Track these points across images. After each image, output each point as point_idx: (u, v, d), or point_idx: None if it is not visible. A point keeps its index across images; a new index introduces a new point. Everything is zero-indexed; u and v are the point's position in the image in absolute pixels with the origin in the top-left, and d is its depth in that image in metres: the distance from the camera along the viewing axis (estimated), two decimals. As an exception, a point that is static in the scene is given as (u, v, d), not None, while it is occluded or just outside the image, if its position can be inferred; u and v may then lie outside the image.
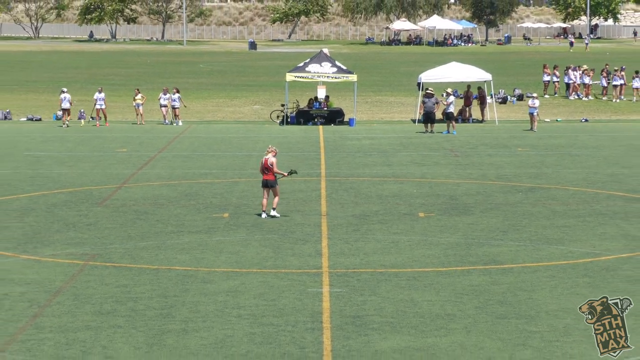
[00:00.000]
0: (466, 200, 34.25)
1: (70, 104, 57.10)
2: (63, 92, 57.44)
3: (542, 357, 18.38)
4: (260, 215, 31.08)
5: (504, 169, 41.24)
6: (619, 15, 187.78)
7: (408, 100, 68.54)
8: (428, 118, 54.14)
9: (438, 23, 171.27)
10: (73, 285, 23.33)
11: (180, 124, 57.39)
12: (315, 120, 57.87)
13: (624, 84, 71.41)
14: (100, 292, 22.64)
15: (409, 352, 18.63)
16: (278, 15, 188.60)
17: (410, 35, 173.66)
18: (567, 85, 73.95)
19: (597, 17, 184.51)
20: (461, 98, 60.35)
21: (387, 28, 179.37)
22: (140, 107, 57.70)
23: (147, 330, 19.89)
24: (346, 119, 58.33)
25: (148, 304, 21.69)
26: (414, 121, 58.27)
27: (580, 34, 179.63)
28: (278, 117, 59.44)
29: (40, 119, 60.22)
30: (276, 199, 31.07)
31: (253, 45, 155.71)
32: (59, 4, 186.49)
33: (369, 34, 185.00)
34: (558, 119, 60.30)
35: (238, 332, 19.75)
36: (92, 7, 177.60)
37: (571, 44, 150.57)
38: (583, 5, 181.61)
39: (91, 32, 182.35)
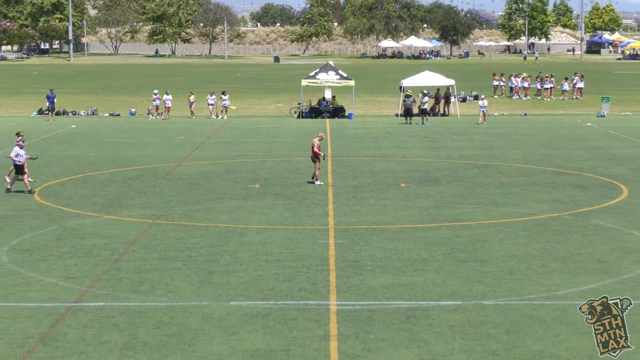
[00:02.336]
0: (436, 174, 34.18)
1: (158, 101, 57.28)
2: (155, 94, 57.92)
3: (492, 291, 18.35)
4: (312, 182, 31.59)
5: (464, 151, 41.14)
6: (549, 36, 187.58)
7: (392, 99, 68.36)
8: (407, 113, 54.13)
9: (415, 42, 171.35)
10: (144, 238, 23.35)
11: (226, 118, 57.33)
12: (323, 114, 57.81)
13: (553, 87, 71.58)
14: (164, 243, 22.66)
15: (394, 287, 18.62)
16: (295, 36, 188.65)
17: (394, 51, 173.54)
18: (511, 88, 74.09)
19: (533, 37, 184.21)
20: (432, 98, 60.23)
21: (377, 46, 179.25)
22: (193, 105, 57.74)
23: (199, 271, 19.90)
24: (347, 113, 58.27)
25: (199, 252, 21.70)
26: (397, 115, 58.16)
27: (520, 50, 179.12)
28: (295, 112, 59.37)
29: (119, 115, 60.19)
30: (316, 171, 31.32)
31: (277, 59, 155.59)
32: (133, 29, 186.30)
33: (363, 50, 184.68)
34: (504, 113, 60.17)
35: (266, 273, 19.75)
36: (157, 31, 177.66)
37: (525, 57, 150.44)
38: (523, 29, 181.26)
39: (157, 49, 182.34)
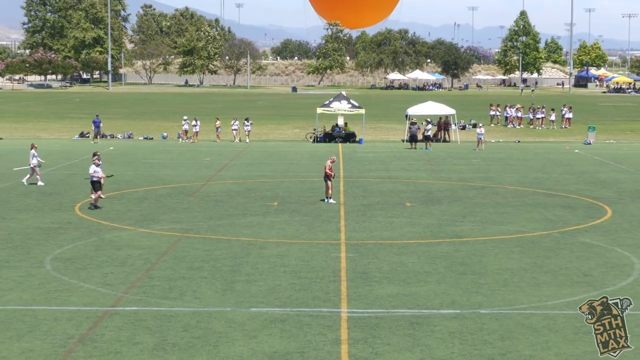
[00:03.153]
0: (438, 195, 34.16)
1: (187, 126, 57.33)
2: (184, 119, 58.13)
3: (488, 301, 18.31)
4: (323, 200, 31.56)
5: (463, 174, 41.11)
6: (541, 71, 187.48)
7: (399, 126, 68.39)
8: (412, 139, 54.16)
9: (419, 75, 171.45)
10: (174, 249, 23.40)
11: (248, 141, 57.47)
12: (336, 139, 57.88)
13: (544, 117, 71.60)
14: (192, 254, 22.70)
15: (399, 297, 18.60)
16: (311, 69, 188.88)
17: (400, 83, 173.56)
18: (506, 117, 74.12)
19: (526, 72, 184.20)
20: (435, 125, 60.19)
21: (385, 78, 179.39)
22: (219, 130, 57.89)
23: (222, 280, 19.92)
24: (357, 139, 58.32)
25: (223, 263, 21.73)
26: (403, 141, 58.19)
27: (515, 83, 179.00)
28: (311, 137, 59.45)
29: (152, 138, 60.41)
30: (329, 190, 31.32)
31: (294, 89, 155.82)
32: (165, 61, 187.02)
33: (372, 82, 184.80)
34: (500, 141, 60.10)
35: (284, 283, 19.76)
36: (187, 63, 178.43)
37: (522, 90, 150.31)
38: (517, 64, 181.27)
39: (186, 80, 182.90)
